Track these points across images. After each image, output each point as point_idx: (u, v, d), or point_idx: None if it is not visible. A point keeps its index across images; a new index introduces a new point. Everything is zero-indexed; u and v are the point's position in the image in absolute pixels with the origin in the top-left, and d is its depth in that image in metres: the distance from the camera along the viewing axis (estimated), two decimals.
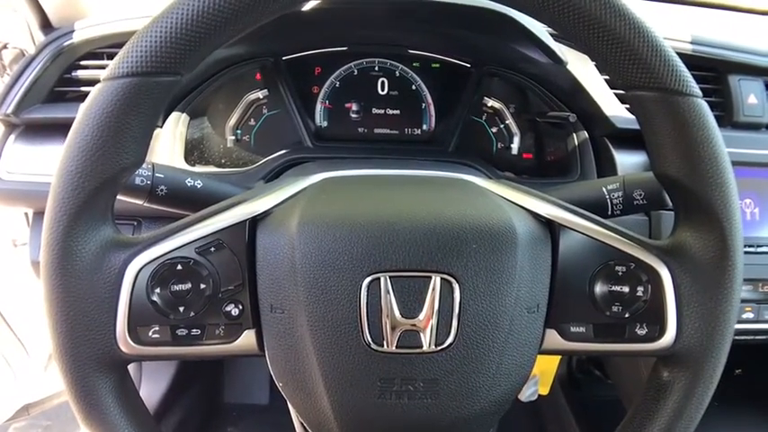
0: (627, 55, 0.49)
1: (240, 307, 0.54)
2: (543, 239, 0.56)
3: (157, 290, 0.52)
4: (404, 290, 0.51)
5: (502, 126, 1.01)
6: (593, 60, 0.75)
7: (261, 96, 0.98)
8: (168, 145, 0.86)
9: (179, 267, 0.53)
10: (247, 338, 0.54)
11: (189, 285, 0.53)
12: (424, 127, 1.03)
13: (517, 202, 0.58)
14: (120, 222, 0.81)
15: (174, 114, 0.88)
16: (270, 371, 0.55)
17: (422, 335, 0.51)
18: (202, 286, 0.53)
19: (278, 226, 0.54)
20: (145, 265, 0.52)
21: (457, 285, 0.51)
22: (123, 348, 0.52)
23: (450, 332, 0.52)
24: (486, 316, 0.52)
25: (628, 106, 0.88)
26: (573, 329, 0.57)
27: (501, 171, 0.98)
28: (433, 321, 0.51)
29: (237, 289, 0.54)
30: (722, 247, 0.53)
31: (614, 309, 0.56)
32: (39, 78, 0.83)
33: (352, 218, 0.52)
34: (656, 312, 0.55)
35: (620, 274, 0.56)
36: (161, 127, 0.86)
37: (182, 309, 0.53)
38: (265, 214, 0.55)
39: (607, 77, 0.89)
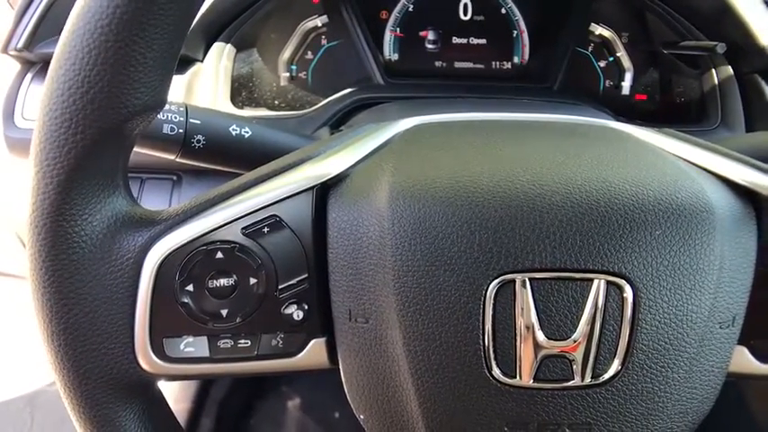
0: None
1: (305, 308, 0.39)
2: (744, 220, 0.39)
3: (190, 287, 0.38)
4: (550, 298, 0.36)
5: (611, 59, 0.83)
6: None
7: (320, 24, 0.81)
8: (211, 83, 0.70)
9: (219, 255, 0.38)
10: (315, 350, 0.40)
11: (233, 280, 0.38)
12: (516, 60, 0.85)
13: (702, 165, 0.41)
14: (156, 177, 0.68)
15: (218, 45, 0.72)
16: (348, 397, 0.41)
17: (573, 363, 0.36)
18: (252, 281, 0.38)
19: (359, 197, 0.38)
20: (171, 253, 0.37)
21: (630, 291, 0.35)
22: (146, 366, 0.38)
23: (614, 359, 0.36)
24: (669, 336, 0.36)
25: None
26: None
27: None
28: (592, 344, 0.36)
29: (301, 285, 0.39)
30: None
31: None
32: (52, 5, 0.68)
33: (470, 187, 0.37)
34: None
35: None
36: (201, 61, 0.71)
37: (224, 313, 0.38)
38: (339, 178, 0.40)
39: None
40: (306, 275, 0.39)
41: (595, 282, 0.35)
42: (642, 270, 0.35)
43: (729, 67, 0.71)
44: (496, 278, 0.35)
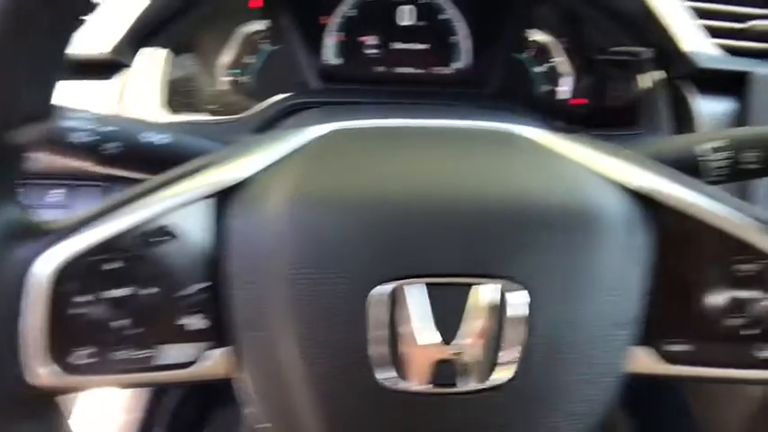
0: None
1: (206, 318, 0.39)
2: (637, 223, 0.40)
3: (85, 297, 0.37)
4: (439, 303, 0.36)
5: (549, 65, 0.84)
6: None
7: (260, 28, 0.81)
8: (144, 88, 0.70)
9: (115, 265, 0.38)
10: (219, 360, 0.40)
11: (130, 290, 0.38)
12: (456, 65, 0.86)
13: (599, 169, 0.41)
14: (85, 184, 0.67)
15: (150, 50, 0.72)
16: (252, 407, 0.41)
17: (465, 367, 0.36)
18: (150, 291, 0.38)
19: (257, 203, 0.38)
20: (66, 262, 0.36)
21: (521, 295, 0.36)
22: (39, 382, 0.37)
23: (506, 363, 0.37)
24: (561, 339, 0.37)
25: (715, 41, 0.70)
26: (674, 348, 0.41)
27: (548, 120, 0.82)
28: (484, 347, 0.36)
29: (201, 294, 0.39)
30: None
31: (733, 323, 0.40)
32: None
33: (364, 194, 0.37)
34: None
35: (747, 274, 0.40)
36: (129, 66, 0.70)
37: (121, 323, 0.38)
38: (241, 185, 0.39)
39: (692, 4, 0.70)
40: (205, 284, 0.39)
41: (484, 286, 0.36)
42: (532, 273, 0.36)
43: (658, 72, 0.73)
44: (385, 282, 0.35)
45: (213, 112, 0.81)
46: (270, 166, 0.40)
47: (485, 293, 0.36)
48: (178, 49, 0.76)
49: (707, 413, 0.86)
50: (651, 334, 0.41)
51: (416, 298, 0.36)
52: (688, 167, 0.51)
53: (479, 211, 0.36)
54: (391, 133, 0.45)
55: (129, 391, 1.00)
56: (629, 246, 0.39)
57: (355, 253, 0.36)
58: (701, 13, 0.69)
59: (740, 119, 0.69)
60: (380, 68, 0.85)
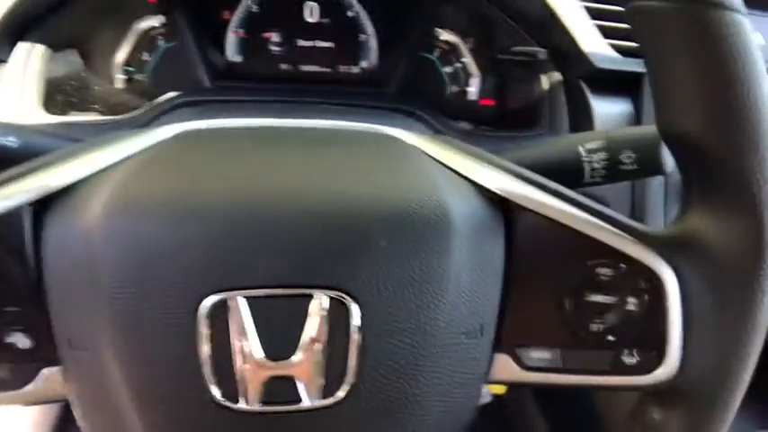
0: None
1: (31, 336, 0.36)
2: (492, 227, 0.39)
3: None
4: (269, 316, 0.34)
5: (458, 65, 0.83)
6: None
7: (156, 24, 0.78)
8: (17, 86, 0.66)
9: None
10: (48, 381, 0.37)
11: None
12: (363, 64, 0.84)
13: (457, 170, 0.40)
14: None
15: (26, 45, 0.68)
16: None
17: (300, 384, 0.34)
18: None
19: (75, 212, 0.35)
20: None
21: (355, 307, 0.34)
22: None
23: (344, 379, 0.35)
24: (401, 351, 0.35)
25: (612, 42, 0.69)
26: (533, 355, 0.40)
27: (454, 121, 0.80)
28: (318, 363, 0.34)
29: (20, 311, 0.36)
30: (756, 239, 0.36)
31: (593, 328, 0.39)
32: None
33: (189, 201, 0.34)
34: (654, 334, 0.39)
35: (603, 278, 0.39)
36: (5, 61, 0.66)
37: None
38: (62, 192, 0.36)
39: (589, 5, 0.69)
40: (24, 301, 0.36)
41: (316, 298, 0.34)
42: (364, 284, 0.34)
43: (557, 73, 0.72)
44: (210, 295, 0.33)
45: (104, 113, 0.78)
46: (98, 172, 0.37)
47: (317, 306, 0.34)
48: (58, 45, 0.72)
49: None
50: (509, 341, 0.40)
51: (248, 311, 0.33)
52: (572, 169, 0.51)
53: (316, 219, 0.34)
54: (243, 135, 0.43)
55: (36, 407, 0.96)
56: (481, 250, 0.38)
57: (180, 265, 0.33)
58: (595, 14, 0.69)
59: (636, 119, 0.69)
60: (285, 66, 0.83)
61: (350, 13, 0.83)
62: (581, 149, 0.50)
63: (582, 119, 0.70)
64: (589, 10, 0.69)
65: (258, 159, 0.38)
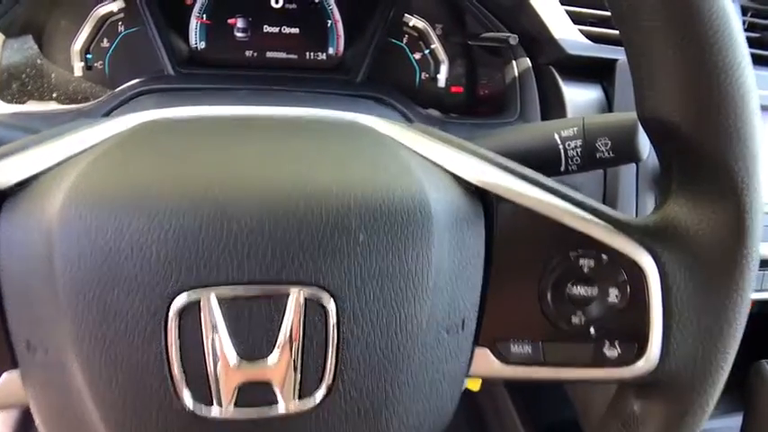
0: None
1: None
2: (472, 219, 0.37)
3: None
4: (242, 316, 0.32)
5: (426, 51, 0.82)
6: None
7: (115, 10, 0.75)
8: None
9: None
10: (7, 385, 0.35)
11: None
12: (331, 51, 0.82)
13: (434, 160, 0.39)
14: None
15: None
16: None
17: (276, 387, 0.33)
18: None
19: (33, 207, 0.33)
20: None
21: (332, 304, 0.33)
22: None
23: (322, 380, 0.33)
24: (381, 349, 0.34)
25: (582, 28, 0.69)
26: (514, 349, 0.39)
27: (423, 108, 0.79)
28: (294, 365, 0.33)
29: None
30: (737, 227, 0.36)
31: (574, 321, 0.39)
32: None
33: (154, 195, 0.32)
34: (635, 325, 0.38)
35: (584, 270, 0.38)
36: None
37: None
38: (17, 187, 0.34)
39: None
40: None
41: (292, 295, 0.32)
42: (343, 279, 0.33)
43: (527, 59, 0.72)
44: (177, 295, 0.31)
45: (63, 102, 0.75)
46: (55, 165, 0.35)
47: (293, 303, 0.32)
48: (11, 31, 0.69)
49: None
50: (489, 335, 0.39)
51: (220, 310, 0.32)
52: (548, 157, 0.50)
53: (290, 213, 0.33)
54: (208, 124, 0.41)
55: None
56: (461, 242, 0.37)
57: (146, 263, 0.31)
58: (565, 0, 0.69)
59: (607, 106, 0.69)
60: (250, 53, 0.80)
61: None
62: (556, 137, 0.50)
63: (553, 105, 0.70)
64: None
65: (225, 150, 0.36)
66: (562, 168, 0.51)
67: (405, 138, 0.41)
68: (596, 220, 0.38)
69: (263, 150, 0.37)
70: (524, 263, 0.38)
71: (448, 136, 0.42)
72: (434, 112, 0.78)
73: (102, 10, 0.75)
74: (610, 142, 0.49)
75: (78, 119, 0.61)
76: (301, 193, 0.33)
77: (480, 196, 0.38)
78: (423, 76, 0.83)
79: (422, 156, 0.39)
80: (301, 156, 0.37)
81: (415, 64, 0.82)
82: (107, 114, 0.62)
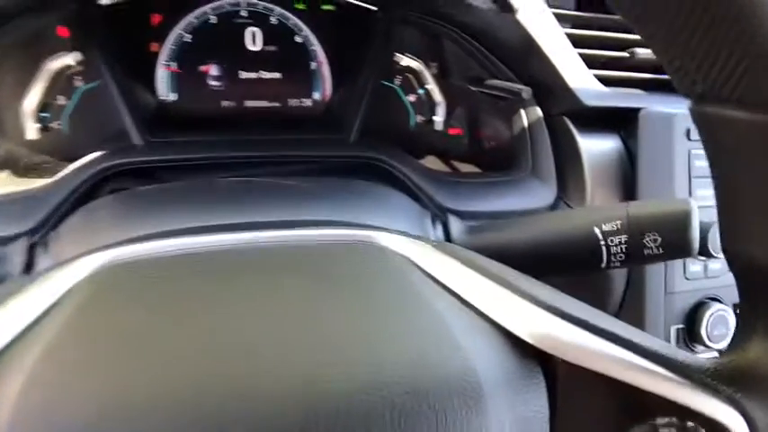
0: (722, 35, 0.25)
1: None
2: (530, 381, 0.31)
3: None
4: None
5: (421, 92, 0.75)
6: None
7: (72, 63, 0.66)
8: None
9: None
10: None
11: None
12: (316, 96, 0.75)
13: (475, 305, 0.32)
14: None
15: None
16: None
17: None
18: None
19: None
20: None
21: None
22: None
23: None
24: None
25: (597, 72, 0.62)
26: None
27: (420, 155, 0.72)
28: None
29: None
30: None
31: None
32: None
33: (116, 410, 0.25)
34: None
35: None
36: None
37: None
38: None
39: (571, 31, 0.62)
40: None
41: None
42: None
43: (538, 108, 0.65)
44: None
45: (23, 169, 0.66)
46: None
47: None
48: None
49: None
50: None
51: None
52: (588, 251, 0.44)
53: (298, 414, 0.26)
54: (190, 268, 0.33)
55: None
56: (521, 412, 0.30)
57: None
58: (578, 42, 0.62)
59: (627, 158, 0.63)
60: (227, 103, 0.72)
61: (298, 39, 0.73)
62: (597, 232, 0.43)
63: (569, 159, 0.63)
64: (571, 37, 0.61)
65: (215, 323, 0.29)
66: (603, 265, 0.44)
67: (435, 269, 0.34)
68: (676, 376, 0.31)
69: (257, 315, 0.29)
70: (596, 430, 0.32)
71: (484, 262, 0.35)
72: (432, 160, 0.72)
73: (55, 63, 0.66)
74: (660, 238, 0.42)
75: (33, 208, 0.52)
76: (314, 387, 0.26)
77: (536, 352, 0.31)
78: (418, 120, 0.75)
79: (458, 298, 0.32)
80: (307, 321, 0.29)
81: (408, 107, 0.75)
82: (67, 202, 0.53)
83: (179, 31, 0.70)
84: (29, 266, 0.45)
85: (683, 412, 0.31)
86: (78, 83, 0.67)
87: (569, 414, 0.31)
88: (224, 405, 0.25)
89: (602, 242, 0.43)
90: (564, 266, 0.45)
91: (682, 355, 0.32)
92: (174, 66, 0.71)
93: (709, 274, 0.62)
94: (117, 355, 0.27)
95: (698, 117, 0.28)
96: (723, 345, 0.62)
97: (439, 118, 0.75)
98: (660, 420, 0.31)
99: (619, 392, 0.31)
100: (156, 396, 0.25)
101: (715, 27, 0.24)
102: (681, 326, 0.61)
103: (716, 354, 0.63)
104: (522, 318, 0.31)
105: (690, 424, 0.31)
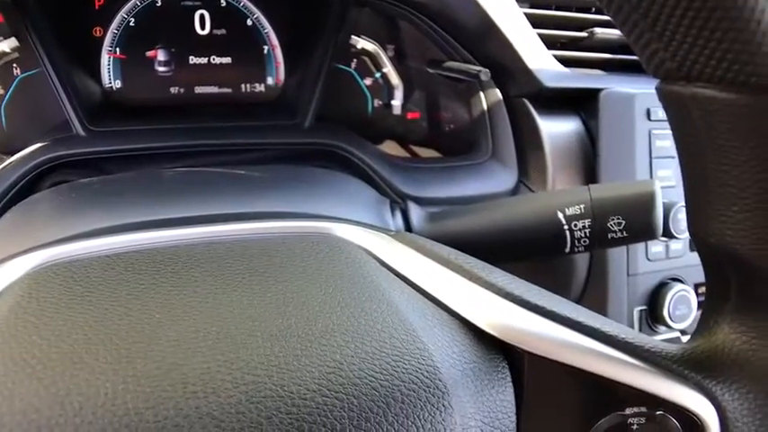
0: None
1: None
2: (495, 374, 0.29)
3: None
4: None
5: (378, 76, 0.72)
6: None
7: (7, 49, 0.62)
8: None
9: None
10: None
11: None
12: (269, 81, 0.72)
13: (438, 297, 0.31)
14: None
15: None
16: None
17: None
18: None
19: None
20: None
21: None
22: None
23: None
24: None
25: (555, 52, 0.61)
26: None
27: (378, 140, 0.71)
28: None
29: None
30: None
31: None
32: None
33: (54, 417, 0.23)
34: None
35: (635, 429, 0.31)
36: None
37: None
38: None
39: (530, 11, 0.61)
40: None
41: None
42: None
43: (497, 90, 0.64)
44: None
45: None
46: None
47: None
48: None
49: None
50: None
51: None
52: (552, 235, 0.43)
53: (253, 415, 0.24)
54: (136, 265, 0.31)
55: None
56: (488, 406, 0.29)
57: None
58: (536, 22, 0.60)
59: (588, 140, 0.62)
60: (176, 90, 0.69)
61: (249, 22, 0.70)
62: (561, 216, 0.42)
63: (529, 141, 0.62)
64: (529, 17, 0.60)
65: (150, 317, 0.27)
66: (567, 250, 0.43)
67: (393, 260, 0.32)
68: (644, 364, 0.30)
69: (211, 318, 0.27)
70: (563, 423, 0.30)
71: (444, 252, 0.33)
72: (391, 144, 0.70)
73: None
74: (624, 221, 0.41)
75: None
76: (275, 402, 0.24)
77: (504, 352, 0.30)
78: (375, 104, 0.73)
79: (418, 289, 0.31)
80: (266, 324, 0.27)
81: (366, 91, 0.73)
82: (9, 192, 0.50)
83: (123, 15, 0.67)
84: None
85: (653, 401, 0.30)
86: (15, 71, 0.63)
87: (536, 406, 0.30)
88: (167, 407, 0.23)
89: (566, 227, 0.42)
90: (527, 252, 0.44)
91: (649, 342, 0.31)
92: (118, 51, 0.67)
93: (671, 255, 0.62)
94: (53, 359, 0.25)
95: (665, 95, 0.27)
96: (685, 325, 0.63)
97: (397, 102, 0.73)
98: (629, 410, 0.30)
99: (586, 383, 0.30)
100: (94, 402, 0.23)
101: (686, 2, 0.23)
102: (643, 307, 0.61)
103: (678, 334, 0.63)
104: (484, 309, 0.30)
105: (659, 413, 0.30)
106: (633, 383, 0.30)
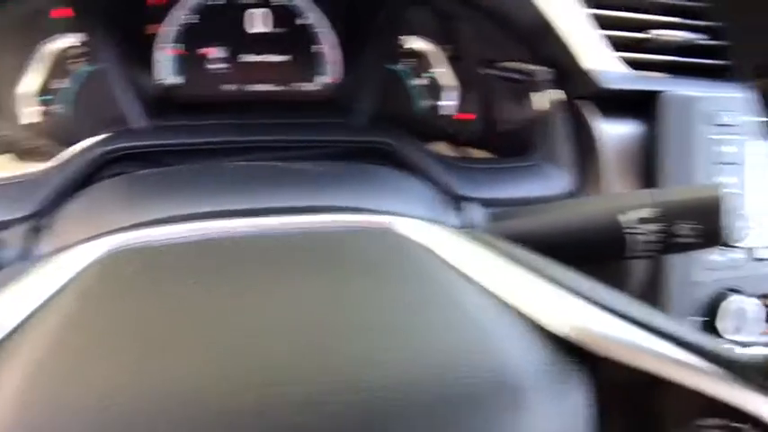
0: None
1: None
2: (574, 386, 0.29)
3: None
4: None
5: (428, 77, 0.72)
6: None
7: (74, 44, 0.63)
8: None
9: None
10: None
11: None
12: (323, 79, 0.72)
13: (508, 300, 0.30)
14: None
15: None
16: None
17: None
18: None
19: None
20: None
21: None
22: None
23: None
24: None
25: (625, 55, 0.60)
26: None
27: (427, 140, 0.70)
28: None
29: None
30: None
31: None
32: None
33: (129, 402, 0.23)
34: None
35: None
36: None
37: None
38: None
39: (598, 12, 0.59)
40: None
41: None
42: None
43: (555, 91, 0.62)
44: None
45: (16, 156, 0.64)
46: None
47: None
48: None
49: None
50: None
51: None
52: (611, 240, 0.41)
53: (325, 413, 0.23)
54: (201, 256, 0.31)
55: None
56: (562, 413, 0.28)
57: None
58: (606, 23, 0.59)
59: (648, 144, 0.60)
60: (228, 87, 0.70)
61: (302, 21, 0.71)
62: (621, 219, 0.41)
63: (587, 145, 0.60)
64: (599, 18, 0.59)
65: (221, 307, 0.27)
66: (626, 254, 0.42)
67: (460, 257, 0.31)
68: (727, 375, 0.29)
69: (276, 312, 0.27)
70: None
71: (515, 250, 0.33)
72: (441, 146, 0.69)
73: (56, 45, 0.63)
74: (692, 226, 0.40)
75: (34, 191, 0.50)
76: (336, 394, 0.24)
77: (578, 355, 0.29)
78: (427, 104, 0.73)
79: (488, 290, 0.30)
80: (324, 317, 0.27)
81: (413, 91, 0.72)
82: (69, 184, 0.51)
83: (179, 13, 0.68)
84: (27, 252, 0.43)
85: (738, 415, 0.29)
86: (80, 65, 0.65)
87: (613, 413, 0.29)
88: (236, 399, 0.23)
89: (627, 230, 0.41)
90: (586, 255, 0.43)
91: (736, 353, 0.30)
92: (174, 48, 0.68)
93: (731, 264, 0.60)
94: (125, 345, 0.25)
95: None
96: (742, 338, 0.60)
97: (446, 103, 0.73)
98: (711, 422, 0.29)
99: (667, 392, 0.29)
100: (164, 389, 0.23)
101: None
102: (703, 318, 0.59)
103: (738, 347, 0.61)
104: (560, 310, 0.29)
105: (740, 425, 0.29)
106: (717, 395, 0.29)
